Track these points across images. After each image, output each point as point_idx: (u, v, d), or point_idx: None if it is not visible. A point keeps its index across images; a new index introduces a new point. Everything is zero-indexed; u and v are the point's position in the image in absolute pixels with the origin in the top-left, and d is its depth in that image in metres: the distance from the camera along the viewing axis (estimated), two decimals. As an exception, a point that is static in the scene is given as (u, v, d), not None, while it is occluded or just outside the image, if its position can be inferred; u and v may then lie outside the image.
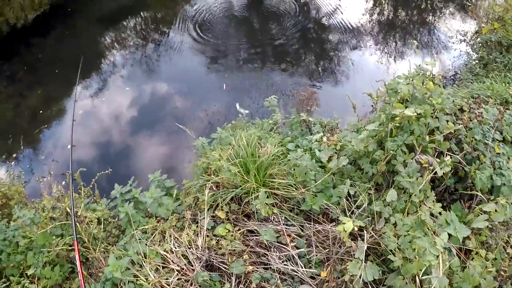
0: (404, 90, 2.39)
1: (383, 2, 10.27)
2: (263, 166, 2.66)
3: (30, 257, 3.08)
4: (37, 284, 2.89)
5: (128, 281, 2.48)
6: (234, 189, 2.67)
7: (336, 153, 2.75)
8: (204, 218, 2.63)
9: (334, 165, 2.55)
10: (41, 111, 9.13)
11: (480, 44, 6.40)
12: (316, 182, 2.54)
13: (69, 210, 3.12)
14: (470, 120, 2.62)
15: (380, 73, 6.96)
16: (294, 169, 2.65)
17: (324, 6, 9.80)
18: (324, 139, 2.84)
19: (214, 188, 2.76)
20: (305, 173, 2.56)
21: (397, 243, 2.02)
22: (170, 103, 7.75)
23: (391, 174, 2.50)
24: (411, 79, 2.56)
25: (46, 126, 8.54)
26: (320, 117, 3.71)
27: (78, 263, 2.68)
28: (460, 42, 8.07)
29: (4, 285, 2.96)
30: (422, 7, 10.21)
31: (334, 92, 6.67)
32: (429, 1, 10.45)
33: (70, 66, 10.97)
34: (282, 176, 2.66)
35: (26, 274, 2.98)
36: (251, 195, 2.58)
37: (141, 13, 12.75)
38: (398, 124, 2.38)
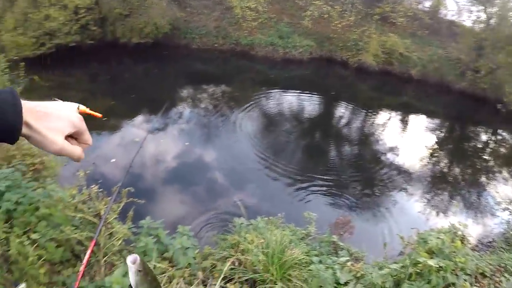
0: (433, 242, 2.55)
1: (441, 154, 10.67)
2: (286, 264, 2.82)
3: (42, 226, 3.21)
4: (34, 250, 2.97)
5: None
6: (254, 273, 2.80)
7: (354, 279, 2.86)
8: (215, 284, 2.75)
9: (349, 290, 2.66)
10: (104, 118, 9.84)
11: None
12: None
13: (102, 213, 3.35)
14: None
15: (419, 222, 6.97)
16: (312, 280, 2.77)
17: (385, 142, 10.32)
18: (348, 264, 2.99)
19: (236, 264, 2.91)
20: (321, 286, 2.67)
21: None
22: (210, 172, 8.10)
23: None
24: (442, 234, 2.72)
25: (100, 132, 9.13)
26: (350, 245, 3.85)
27: (87, 256, 2.82)
28: (504, 210, 8.08)
29: (5, 234, 3.05)
30: (477, 166, 10.48)
31: (369, 225, 6.78)
32: (484, 163, 10.75)
33: (143, 97, 11.99)
34: (299, 279, 2.78)
35: (28, 236, 3.08)
36: (266, 284, 2.70)
37: (222, 85, 13.98)
38: (419, 271, 2.49)
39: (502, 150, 12.19)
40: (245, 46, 16.52)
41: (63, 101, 0.83)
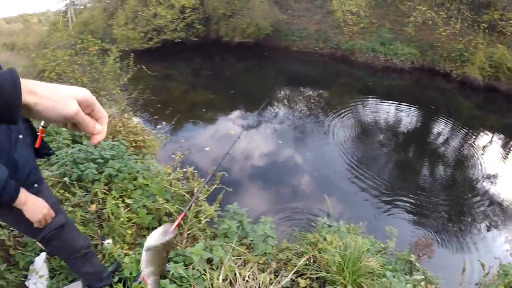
0: (515, 277, 2.36)
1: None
2: (359, 271, 2.81)
3: (137, 194, 3.67)
4: (126, 213, 3.41)
5: (197, 269, 2.77)
6: (326, 273, 2.83)
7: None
8: (286, 276, 2.83)
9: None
10: (203, 110, 10.48)
11: None
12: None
13: (195, 190, 3.66)
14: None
15: (504, 261, 6.28)
16: (382, 290, 2.73)
17: (484, 167, 9.37)
18: (422, 283, 2.88)
19: (311, 261, 2.96)
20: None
21: None
22: (297, 172, 8.17)
23: None
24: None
25: (197, 123, 9.74)
26: (426, 268, 3.67)
27: (174, 225, 3.07)
28: None
29: (103, 195, 3.49)
30: None
31: (450, 254, 6.32)
32: None
33: (241, 93, 12.45)
34: (370, 288, 2.76)
35: (123, 200, 3.55)
36: (336, 286, 2.71)
37: (319, 89, 13.90)
38: (493, 303, 2.33)
39: None
40: (345, 51, 16.37)
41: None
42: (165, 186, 3.75)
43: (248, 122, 10.17)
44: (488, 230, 7.17)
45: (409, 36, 15.54)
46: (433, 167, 9.38)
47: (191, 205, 3.37)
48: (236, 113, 11.09)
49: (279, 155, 8.77)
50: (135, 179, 3.83)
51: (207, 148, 8.32)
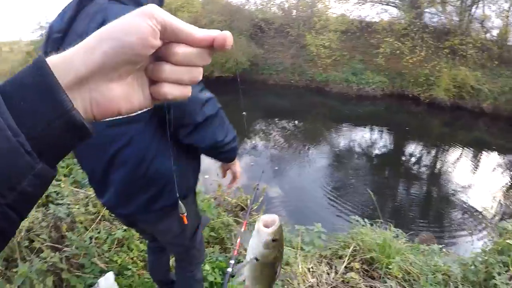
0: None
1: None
2: (395, 250, 3.67)
3: None
4: None
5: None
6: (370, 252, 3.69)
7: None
8: (341, 264, 3.64)
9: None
10: None
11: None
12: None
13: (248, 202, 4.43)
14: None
15: None
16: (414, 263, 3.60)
17: (457, 181, 10.37)
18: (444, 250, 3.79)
19: (357, 249, 3.81)
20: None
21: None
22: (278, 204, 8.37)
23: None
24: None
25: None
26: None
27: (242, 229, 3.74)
28: None
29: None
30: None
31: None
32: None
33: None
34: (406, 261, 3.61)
35: None
36: (382, 263, 3.58)
37: (296, 120, 14.83)
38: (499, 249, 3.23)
39: None
40: (320, 83, 17.88)
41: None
42: (210, 202, 4.38)
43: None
44: (465, 239, 7.66)
45: (379, 66, 17.28)
46: (409, 184, 10.20)
47: (248, 214, 4.10)
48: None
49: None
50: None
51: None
